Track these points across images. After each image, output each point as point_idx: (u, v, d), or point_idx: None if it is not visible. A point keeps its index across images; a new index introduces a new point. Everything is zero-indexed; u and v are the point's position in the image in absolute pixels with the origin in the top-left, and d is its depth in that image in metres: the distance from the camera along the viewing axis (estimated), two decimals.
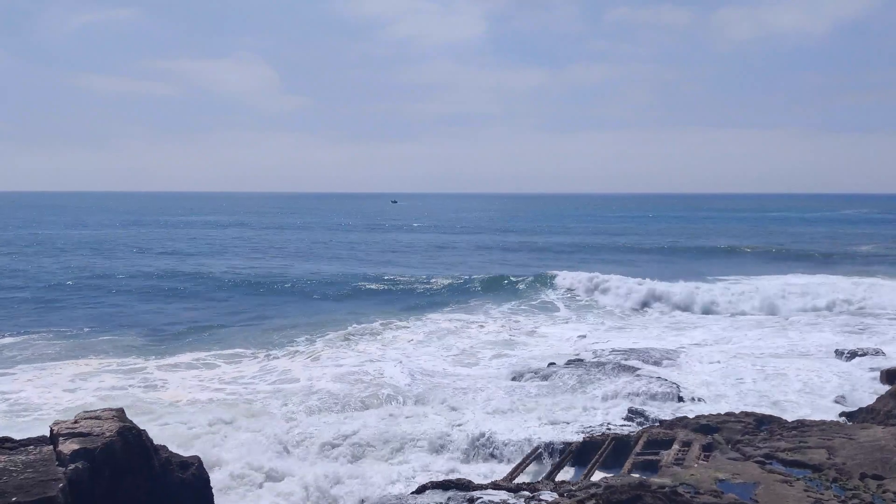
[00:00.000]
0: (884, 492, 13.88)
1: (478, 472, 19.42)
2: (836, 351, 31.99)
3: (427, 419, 23.28)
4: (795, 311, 44.26)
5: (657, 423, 21.51)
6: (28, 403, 25.39)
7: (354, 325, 40.17)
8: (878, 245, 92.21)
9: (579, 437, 20.91)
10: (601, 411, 23.81)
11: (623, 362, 29.70)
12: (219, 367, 31.10)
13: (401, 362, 30.93)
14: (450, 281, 57.52)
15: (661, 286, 49.18)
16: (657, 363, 30.04)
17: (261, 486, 18.64)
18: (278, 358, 32.73)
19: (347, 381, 27.94)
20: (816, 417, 21.20)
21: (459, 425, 22.41)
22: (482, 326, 40.94)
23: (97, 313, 43.80)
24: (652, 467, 17.00)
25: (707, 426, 19.79)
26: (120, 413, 14.98)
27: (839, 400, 24.71)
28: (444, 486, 15.54)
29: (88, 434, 13.64)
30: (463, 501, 14.58)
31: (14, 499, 11.50)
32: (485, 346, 35.76)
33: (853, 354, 31.01)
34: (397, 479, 19.11)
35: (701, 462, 16.65)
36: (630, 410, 23.55)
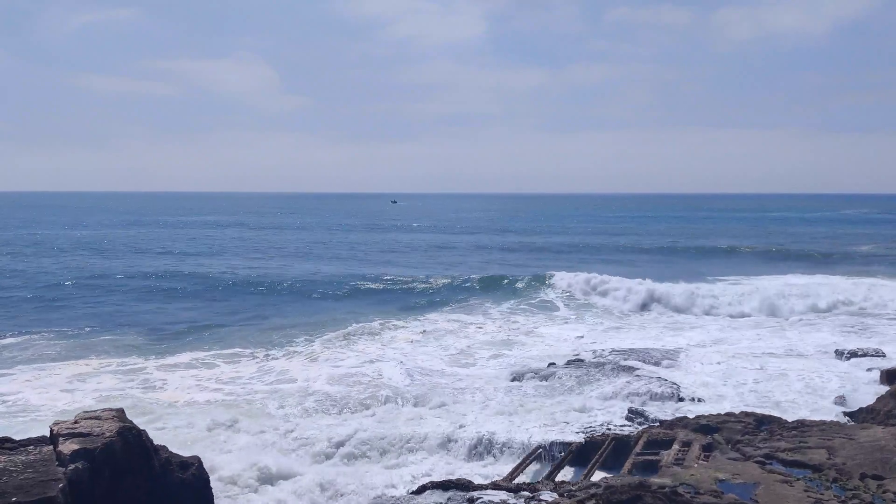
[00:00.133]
0: (884, 492, 13.88)
1: (478, 472, 19.41)
2: (836, 351, 31.99)
3: (426, 420, 23.27)
4: (795, 311, 44.23)
5: (657, 424, 21.49)
6: (27, 404, 25.39)
7: (354, 325, 40.16)
8: (878, 245, 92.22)
9: (579, 438, 20.90)
10: (601, 411, 23.79)
11: (623, 362, 29.71)
12: (218, 367, 31.11)
13: (400, 363, 30.93)
14: (449, 281, 57.52)
15: (660, 286, 49.15)
16: (657, 363, 30.04)
17: (259, 488, 18.62)
18: (277, 358, 32.73)
19: (346, 383, 27.95)
20: (816, 418, 21.19)
21: (459, 426, 22.38)
22: (481, 327, 40.94)
23: (97, 313, 43.79)
24: (652, 467, 16.99)
25: (707, 426, 19.77)
26: (120, 413, 14.98)
27: (839, 400, 24.70)
28: (444, 486, 15.54)
29: (88, 434, 13.64)
30: (463, 501, 14.58)
31: (14, 499, 11.50)
32: (484, 346, 35.74)
33: (853, 355, 31.01)
34: (397, 480, 19.10)
35: (701, 462, 16.64)
36: (630, 411, 23.54)
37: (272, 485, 18.68)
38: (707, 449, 17.69)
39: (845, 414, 22.90)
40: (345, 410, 24.82)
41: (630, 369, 28.53)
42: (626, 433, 20.78)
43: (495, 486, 15.56)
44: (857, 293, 46.88)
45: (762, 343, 35.35)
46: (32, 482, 12.08)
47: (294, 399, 25.92)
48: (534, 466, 19.68)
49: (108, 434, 13.67)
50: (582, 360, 30.77)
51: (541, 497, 14.51)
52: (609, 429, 21.69)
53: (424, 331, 39.24)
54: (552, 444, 20.60)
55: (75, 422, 14.27)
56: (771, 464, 15.97)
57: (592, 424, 22.42)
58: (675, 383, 26.49)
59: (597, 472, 17.89)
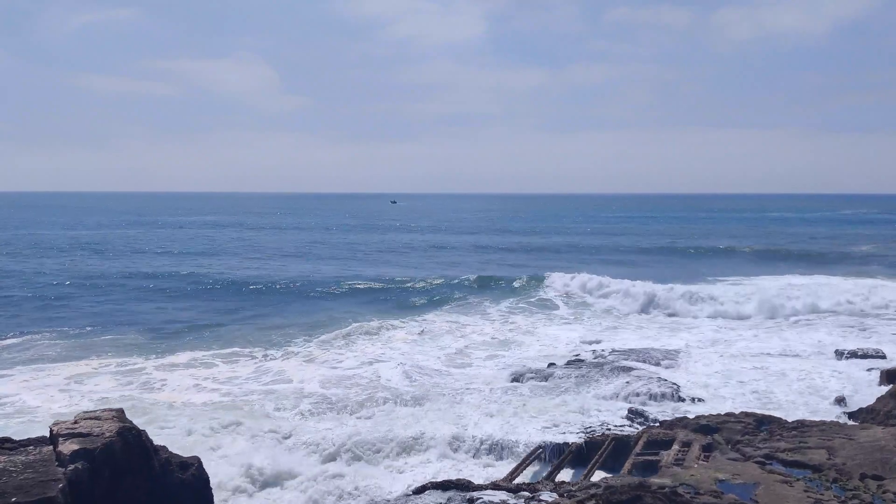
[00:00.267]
0: (884, 492, 13.87)
1: (478, 472, 19.40)
2: (836, 351, 31.99)
3: (426, 420, 23.22)
4: (795, 311, 44.21)
5: (657, 424, 21.49)
6: (26, 404, 25.35)
7: (352, 325, 40.13)
8: (878, 245, 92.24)
9: (579, 438, 20.90)
10: (601, 412, 23.80)
11: (623, 363, 29.70)
12: (217, 367, 31.10)
13: (399, 363, 30.91)
14: (448, 281, 57.54)
15: (660, 286, 49.13)
16: (657, 363, 30.03)
17: (260, 488, 18.61)
18: (276, 359, 32.71)
19: (344, 385, 27.95)
20: (816, 418, 21.17)
21: (459, 426, 22.37)
22: (480, 327, 40.89)
23: (96, 313, 43.78)
24: (652, 468, 16.98)
25: (707, 426, 19.77)
26: (120, 413, 14.95)
27: (839, 401, 24.70)
28: (444, 486, 15.53)
29: (88, 434, 13.61)
30: (463, 502, 14.57)
31: (14, 499, 11.48)
32: (482, 346, 35.72)
33: (853, 355, 31.02)
34: (397, 481, 19.08)
35: (701, 462, 16.63)
36: (630, 411, 23.54)
37: (272, 486, 18.67)
38: (707, 449, 17.68)
39: (845, 414, 22.91)
40: (343, 412, 24.79)
41: (630, 369, 28.51)
42: (626, 433, 20.77)
43: (495, 486, 15.55)
44: (857, 293, 46.87)
45: (762, 343, 35.35)
46: (32, 482, 12.06)
47: (292, 400, 25.90)
48: (534, 467, 19.67)
49: (107, 434, 13.65)
50: (582, 361, 30.76)
51: (541, 497, 14.50)
52: (609, 429, 21.70)
53: (423, 331, 39.22)
54: (552, 444, 20.59)
55: (75, 422, 14.25)
56: (771, 464, 15.97)
57: (592, 425, 22.43)
58: (674, 383, 26.48)
59: (597, 472, 17.88)
